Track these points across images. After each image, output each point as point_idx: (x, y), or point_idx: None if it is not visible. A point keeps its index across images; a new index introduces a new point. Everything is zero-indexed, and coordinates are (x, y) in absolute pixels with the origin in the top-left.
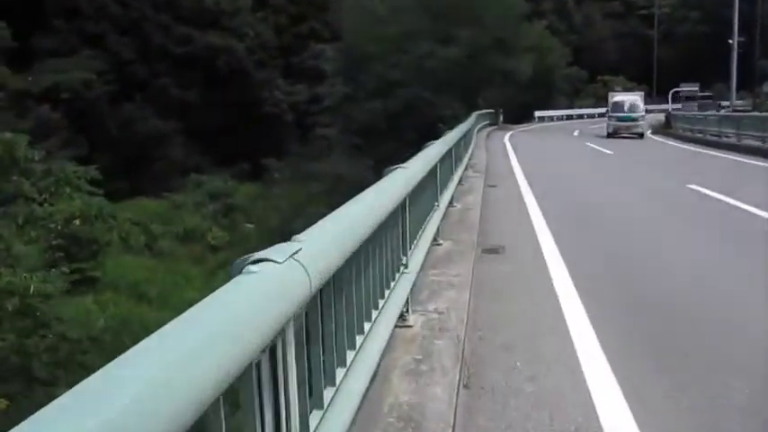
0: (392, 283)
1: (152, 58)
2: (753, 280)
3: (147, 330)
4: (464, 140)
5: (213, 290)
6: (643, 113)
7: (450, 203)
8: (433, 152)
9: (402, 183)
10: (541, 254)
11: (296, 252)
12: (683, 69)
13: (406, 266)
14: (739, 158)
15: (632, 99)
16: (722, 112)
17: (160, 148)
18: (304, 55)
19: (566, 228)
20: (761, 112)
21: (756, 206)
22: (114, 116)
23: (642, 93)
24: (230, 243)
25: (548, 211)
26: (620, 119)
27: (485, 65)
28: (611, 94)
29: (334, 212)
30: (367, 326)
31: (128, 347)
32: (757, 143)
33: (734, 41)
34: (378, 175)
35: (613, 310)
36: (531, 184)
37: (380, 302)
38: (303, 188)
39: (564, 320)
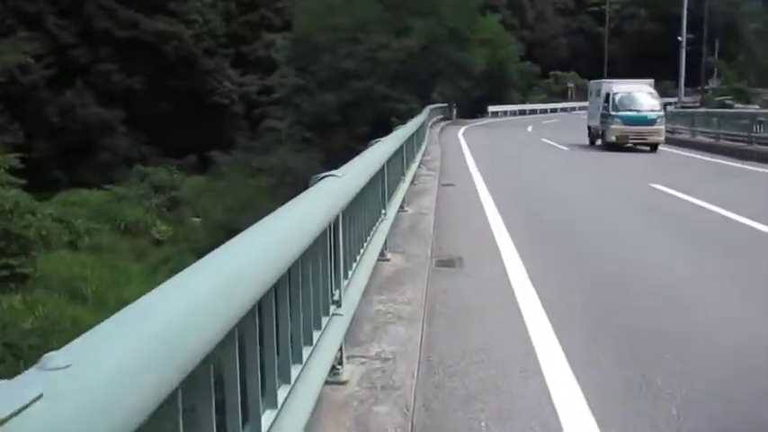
0: (317, 334)
1: (95, 43)
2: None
3: (80, 331)
4: (417, 136)
5: (153, 287)
6: (662, 113)
7: (402, 207)
8: (377, 153)
9: (332, 198)
10: (503, 266)
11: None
12: (633, 66)
13: (338, 305)
14: (696, 155)
15: (643, 90)
16: (670, 108)
17: (103, 137)
18: (255, 44)
19: (527, 232)
20: (708, 108)
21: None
22: (53, 103)
23: (651, 81)
24: (175, 237)
25: (507, 213)
26: (629, 120)
27: (439, 57)
28: (600, 83)
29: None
30: (282, 392)
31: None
32: (710, 140)
33: (683, 38)
34: (329, 168)
35: (601, 350)
36: (487, 183)
37: (295, 367)
38: (251, 181)
39: (535, 357)
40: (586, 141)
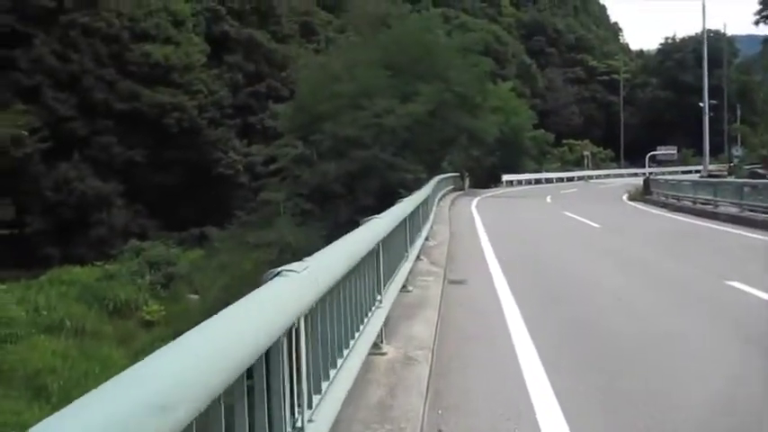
0: None
1: (94, 115)
2: None
3: None
4: (415, 219)
5: None
6: None
7: (377, 344)
8: (344, 253)
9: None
10: None
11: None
12: (646, 133)
13: None
14: (751, 233)
15: None
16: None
17: (99, 211)
18: (262, 114)
19: (590, 392)
20: (737, 177)
21: None
22: (48, 176)
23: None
24: (168, 318)
25: (548, 348)
26: None
27: (449, 123)
28: None
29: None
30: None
31: None
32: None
33: (705, 105)
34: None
35: None
36: (510, 281)
37: None
38: (248, 258)
39: None
40: (615, 215)
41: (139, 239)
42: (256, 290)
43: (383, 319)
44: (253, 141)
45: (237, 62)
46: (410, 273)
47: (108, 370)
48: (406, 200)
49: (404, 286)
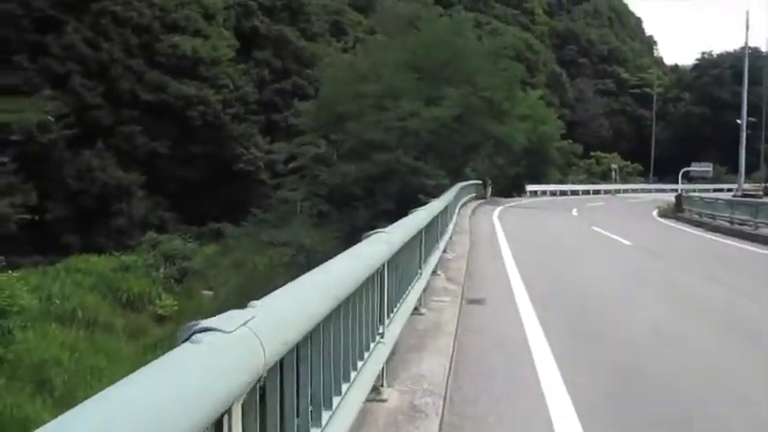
0: None
1: (119, 104)
2: None
3: None
4: (436, 227)
5: None
6: None
7: (377, 387)
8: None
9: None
10: None
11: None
12: (678, 149)
13: None
14: None
15: None
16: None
17: (120, 201)
18: (287, 112)
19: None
20: None
21: None
22: (72, 163)
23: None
24: (180, 313)
25: (574, 379)
26: None
27: (474, 129)
28: None
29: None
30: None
31: None
32: None
33: (743, 121)
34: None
35: None
36: (535, 301)
37: None
38: (264, 255)
39: None
40: (647, 233)
41: (158, 232)
42: (142, 369)
43: (385, 358)
44: (276, 139)
45: (265, 58)
46: (424, 290)
47: (115, 365)
48: (422, 209)
49: (416, 308)
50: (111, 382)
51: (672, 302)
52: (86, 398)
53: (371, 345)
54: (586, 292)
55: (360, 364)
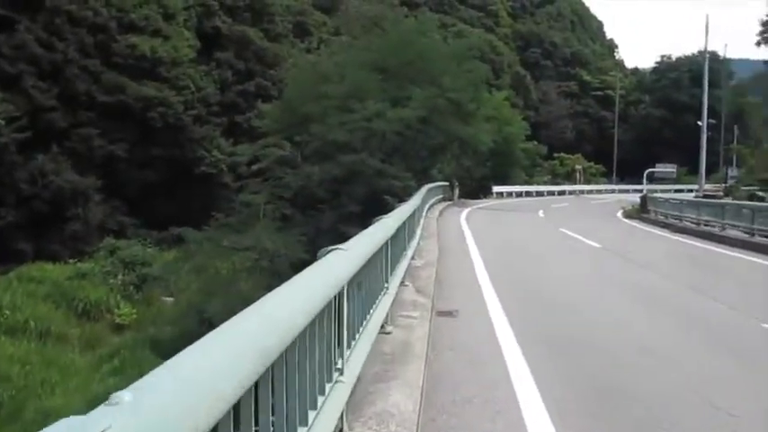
0: None
1: (75, 106)
2: None
3: None
4: (403, 235)
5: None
6: None
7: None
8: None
9: None
10: None
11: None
12: (639, 150)
13: None
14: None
15: None
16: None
17: (75, 206)
18: (250, 113)
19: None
20: (733, 198)
21: None
22: (24, 168)
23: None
24: (140, 321)
25: (554, 398)
26: None
27: (441, 130)
28: None
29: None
30: None
31: None
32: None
33: (703, 124)
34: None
35: None
36: (508, 309)
37: None
38: (227, 261)
39: None
40: (614, 235)
41: (117, 237)
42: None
43: (345, 399)
44: (239, 141)
45: (227, 59)
46: (391, 305)
47: (68, 378)
48: (387, 217)
49: (382, 326)
50: (64, 394)
51: (656, 314)
52: (35, 415)
53: (327, 387)
54: (559, 299)
55: (312, 416)
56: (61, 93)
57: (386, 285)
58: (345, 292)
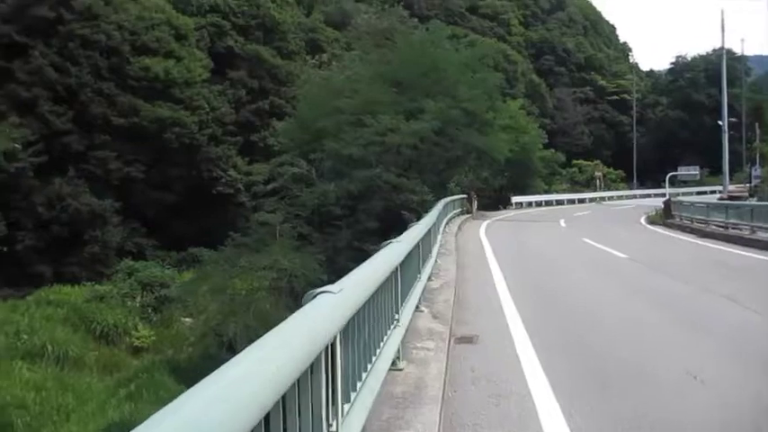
0: None
1: (91, 129)
2: None
3: None
4: (417, 256)
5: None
6: None
7: None
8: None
9: None
10: None
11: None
12: (658, 153)
13: None
14: None
15: None
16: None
17: (93, 228)
18: (264, 132)
19: None
20: (759, 198)
21: None
22: (41, 192)
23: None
24: (158, 343)
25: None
26: None
27: (457, 142)
28: None
29: None
30: None
31: None
32: None
33: (724, 123)
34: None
35: None
36: (533, 335)
37: None
38: (245, 280)
39: None
40: (640, 243)
41: (135, 259)
42: None
43: None
44: (254, 160)
45: (241, 78)
46: (403, 337)
47: (84, 403)
48: (397, 241)
49: (393, 362)
50: (79, 421)
51: (694, 333)
52: None
53: None
54: (588, 321)
55: None
56: (77, 116)
57: (396, 317)
58: (339, 340)
